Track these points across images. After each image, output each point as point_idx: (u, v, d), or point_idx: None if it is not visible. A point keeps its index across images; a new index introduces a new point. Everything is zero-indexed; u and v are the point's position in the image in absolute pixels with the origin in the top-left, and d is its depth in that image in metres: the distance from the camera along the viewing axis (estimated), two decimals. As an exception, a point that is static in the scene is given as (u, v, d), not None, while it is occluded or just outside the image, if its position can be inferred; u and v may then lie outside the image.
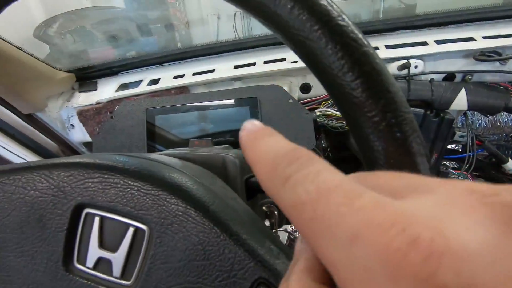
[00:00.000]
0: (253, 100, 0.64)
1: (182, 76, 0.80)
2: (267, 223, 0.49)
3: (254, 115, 0.64)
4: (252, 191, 0.35)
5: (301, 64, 0.74)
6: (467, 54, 0.71)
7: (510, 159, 0.72)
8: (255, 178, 0.36)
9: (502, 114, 0.84)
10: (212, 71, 0.80)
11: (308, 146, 0.64)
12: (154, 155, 0.32)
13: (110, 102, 0.74)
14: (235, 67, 0.80)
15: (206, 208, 0.23)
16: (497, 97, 0.69)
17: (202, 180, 0.27)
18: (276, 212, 0.47)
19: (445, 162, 0.86)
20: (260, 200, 0.48)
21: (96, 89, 0.79)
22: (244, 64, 0.80)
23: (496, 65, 0.69)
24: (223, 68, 0.80)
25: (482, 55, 0.67)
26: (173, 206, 0.23)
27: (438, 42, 0.73)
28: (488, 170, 0.86)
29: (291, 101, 0.65)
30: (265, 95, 0.65)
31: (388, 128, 0.16)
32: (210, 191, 0.25)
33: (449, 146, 0.92)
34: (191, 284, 0.22)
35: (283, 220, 0.52)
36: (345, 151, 0.86)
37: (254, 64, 0.79)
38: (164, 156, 0.33)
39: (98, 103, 0.73)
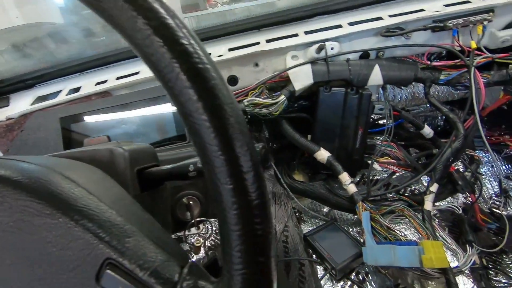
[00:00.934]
0: (174, 96, 0.63)
1: (105, 81, 0.76)
2: (188, 214, 0.48)
3: (176, 111, 0.62)
4: (148, 182, 0.34)
5: (226, 56, 0.74)
6: (376, 32, 0.75)
7: (425, 125, 0.78)
8: (150, 170, 0.35)
9: (419, 85, 0.91)
10: (137, 73, 0.77)
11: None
12: (28, 157, 0.29)
13: (23, 117, 0.68)
14: (160, 66, 0.78)
15: (53, 197, 0.22)
16: (407, 69, 0.74)
17: (69, 174, 0.25)
18: (192, 202, 0.47)
19: (378, 138, 0.91)
20: (179, 192, 0.48)
21: (8, 105, 0.73)
22: (169, 63, 0.78)
23: (402, 40, 0.74)
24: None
25: (388, 32, 0.72)
26: (19, 201, 0.22)
27: (351, 23, 0.77)
28: (415, 139, 0.92)
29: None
30: (186, 90, 0.64)
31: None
32: (69, 182, 0.24)
33: (381, 122, 0.98)
34: (43, 279, 0.21)
35: (207, 211, 0.51)
36: (283, 139, 0.88)
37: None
38: (39, 157, 0.30)
39: (8, 119, 0.68)
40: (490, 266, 0.73)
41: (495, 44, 0.73)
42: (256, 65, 0.77)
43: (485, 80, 0.71)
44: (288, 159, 0.92)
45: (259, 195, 0.17)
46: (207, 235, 0.60)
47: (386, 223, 0.65)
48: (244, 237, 0.17)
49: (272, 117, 0.74)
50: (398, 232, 0.62)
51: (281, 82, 0.78)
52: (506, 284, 0.80)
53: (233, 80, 0.77)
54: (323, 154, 0.74)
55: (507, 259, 0.92)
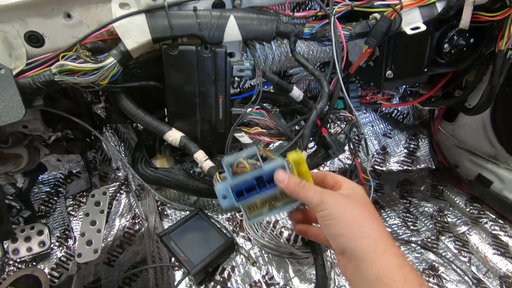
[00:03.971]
0: None
1: None
2: None
3: None
4: None
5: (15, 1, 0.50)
6: (229, -25, 0.61)
7: (294, 87, 0.70)
8: None
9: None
10: None
11: (12, 116, 0.43)
12: None
13: None
14: None
15: None
16: (267, 21, 0.62)
17: None
18: None
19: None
20: None
21: None
22: None
23: (259, -15, 0.62)
24: None
25: (238, -28, 0.58)
26: None
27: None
28: (295, 104, 0.85)
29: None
30: None
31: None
32: None
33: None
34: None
35: None
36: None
37: None
38: None
39: None
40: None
41: (355, -8, 0.67)
42: (69, 16, 0.55)
43: (347, 32, 0.65)
44: (151, 141, 0.75)
45: None
46: None
47: (250, 160, 0.54)
48: None
49: (99, 88, 0.55)
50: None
51: (114, 41, 0.59)
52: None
53: (34, 39, 0.54)
54: (174, 135, 0.59)
55: (384, 214, 0.96)
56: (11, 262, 0.94)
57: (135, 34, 0.56)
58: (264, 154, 0.54)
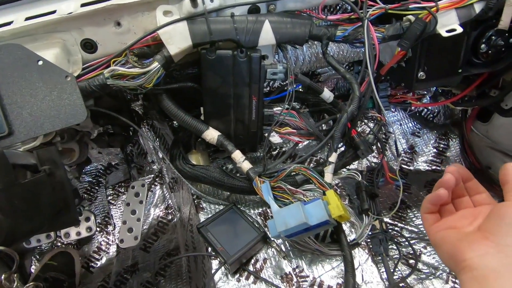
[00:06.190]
0: (-24, 70, 0.44)
1: None
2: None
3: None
4: None
5: (75, 14, 0.56)
6: (264, -20, 0.63)
7: (325, 88, 0.71)
8: None
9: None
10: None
11: (76, 118, 0.48)
12: None
13: None
14: (-19, 30, 0.56)
15: None
16: (301, 25, 0.64)
17: None
18: None
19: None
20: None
21: None
22: (-6, 25, 0.57)
23: (294, -10, 0.64)
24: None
25: (274, -21, 0.61)
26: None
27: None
28: (324, 104, 0.86)
29: (41, 62, 0.48)
30: (-2, 59, 0.46)
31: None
32: None
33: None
34: None
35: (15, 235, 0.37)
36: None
37: (9, 23, 0.57)
38: None
39: None
40: (389, 230, 0.73)
41: (389, -6, 0.67)
42: (118, 24, 0.60)
43: (380, 35, 0.66)
44: (187, 138, 0.80)
45: None
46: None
47: (289, 186, 0.58)
48: None
49: (145, 90, 0.60)
50: (303, 193, 0.56)
51: (157, 46, 0.63)
52: (409, 238, 0.83)
53: (89, 45, 0.60)
54: (212, 134, 0.63)
55: (410, 213, 0.96)
56: (59, 244, 1.04)
57: (177, 40, 0.60)
58: (303, 172, 0.58)
